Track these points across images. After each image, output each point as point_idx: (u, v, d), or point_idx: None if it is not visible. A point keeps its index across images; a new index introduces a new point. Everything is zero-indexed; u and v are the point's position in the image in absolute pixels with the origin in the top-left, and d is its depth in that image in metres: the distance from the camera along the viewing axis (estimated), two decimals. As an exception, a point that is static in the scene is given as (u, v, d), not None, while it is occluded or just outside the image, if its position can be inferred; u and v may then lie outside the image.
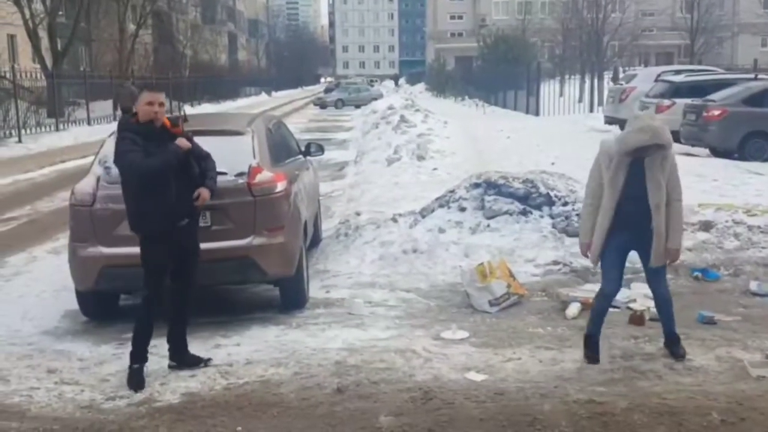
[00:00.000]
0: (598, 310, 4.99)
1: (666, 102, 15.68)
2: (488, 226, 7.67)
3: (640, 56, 48.60)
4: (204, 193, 4.83)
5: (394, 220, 8.48)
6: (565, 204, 7.62)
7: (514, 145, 16.26)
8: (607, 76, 29.69)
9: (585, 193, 5.04)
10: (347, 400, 4.46)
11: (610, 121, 18.81)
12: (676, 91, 15.87)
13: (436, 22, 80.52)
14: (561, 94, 32.09)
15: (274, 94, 66.79)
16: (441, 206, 8.19)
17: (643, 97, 16.49)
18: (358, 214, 9.54)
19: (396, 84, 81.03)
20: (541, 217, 7.59)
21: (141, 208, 4.73)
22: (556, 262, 7.04)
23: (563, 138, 16.80)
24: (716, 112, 13.68)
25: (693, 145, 14.47)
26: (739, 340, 5.26)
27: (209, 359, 5.04)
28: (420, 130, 19.53)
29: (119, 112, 26.70)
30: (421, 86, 70.92)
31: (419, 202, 9.54)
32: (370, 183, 12.73)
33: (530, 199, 7.72)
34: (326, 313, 6.18)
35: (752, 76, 16.95)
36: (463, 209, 7.95)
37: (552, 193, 7.68)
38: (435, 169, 13.72)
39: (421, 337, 5.48)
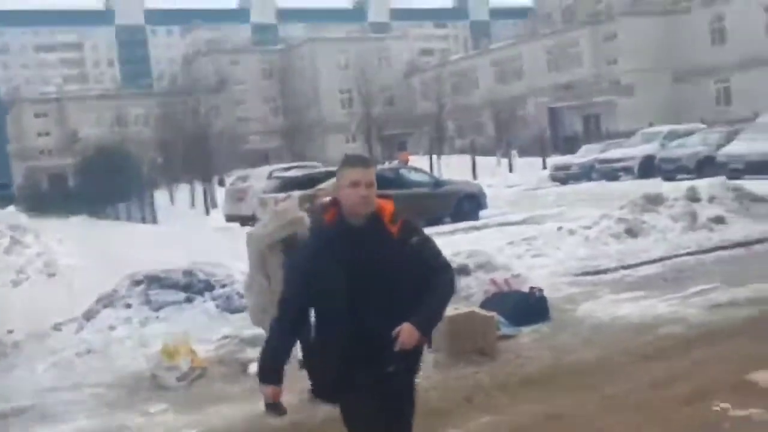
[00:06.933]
0: None
1: (282, 195, 17.56)
2: (157, 317, 8.31)
3: (244, 158, 51.95)
4: (405, 332, 3.10)
5: (57, 329, 8.64)
6: (224, 286, 8.63)
7: (147, 252, 16.76)
8: (216, 180, 31.61)
9: None
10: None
11: (231, 218, 20.38)
12: (287, 185, 17.87)
13: (22, 140, 76.29)
14: (172, 202, 33.14)
15: None
16: (105, 307, 8.61)
17: (260, 194, 18.26)
18: (10, 331, 9.36)
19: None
20: (205, 301, 8.48)
21: (312, 349, 3.43)
22: (226, 336, 7.95)
23: (194, 240, 17.71)
24: (328, 199, 15.82)
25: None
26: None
27: None
28: (36, 249, 18.98)
29: None
30: (11, 209, 66.12)
31: (68, 314, 9.70)
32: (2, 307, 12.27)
33: (192, 286, 8.58)
34: (14, 422, 6.27)
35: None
36: (129, 306, 8.48)
37: (211, 279, 8.64)
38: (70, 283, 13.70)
39: (127, 415, 5.99)
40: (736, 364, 5.83)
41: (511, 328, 7.45)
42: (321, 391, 3.42)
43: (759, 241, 11.26)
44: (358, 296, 3.12)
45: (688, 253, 10.73)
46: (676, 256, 10.63)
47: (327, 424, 5.34)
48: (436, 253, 3.28)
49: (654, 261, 10.43)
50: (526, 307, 7.80)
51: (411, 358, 3.23)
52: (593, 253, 10.77)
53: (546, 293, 8.13)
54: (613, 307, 8.12)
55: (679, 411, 5.08)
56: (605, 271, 9.99)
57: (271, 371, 3.35)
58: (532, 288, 8.16)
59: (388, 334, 3.08)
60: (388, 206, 3.24)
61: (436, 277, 3.22)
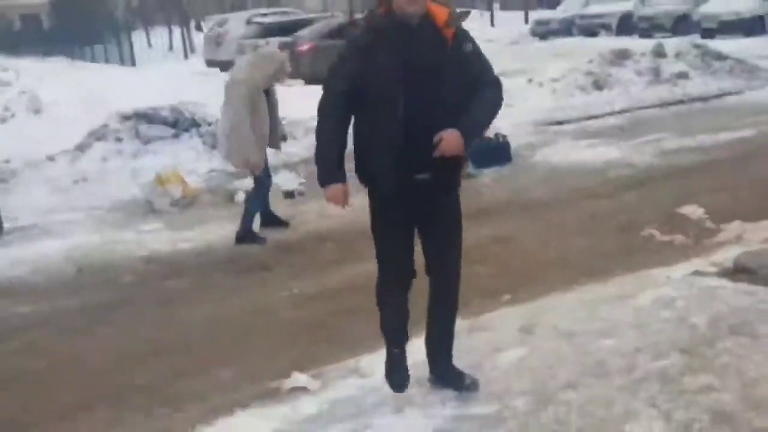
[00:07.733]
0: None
1: (261, 41, 17.70)
2: (147, 150, 8.88)
3: (220, 2, 50.77)
4: (449, 138, 2.93)
5: (51, 159, 9.19)
6: (210, 124, 9.14)
7: (129, 92, 17.05)
8: (193, 24, 31.20)
9: None
10: (90, 275, 5.62)
11: (210, 63, 20.49)
12: (267, 31, 17.97)
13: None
14: (150, 45, 32.80)
15: None
16: (97, 140, 9.14)
17: (239, 39, 18.35)
18: (6, 161, 9.90)
19: None
20: (191, 137, 9.03)
21: (358, 151, 3.14)
22: (212, 170, 8.58)
23: (175, 82, 17.95)
24: (306, 47, 16.08)
25: (294, 78, 16.71)
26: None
27: (476, 380, 3.44)
28: (18, 88, 19.19)
29: None
30: (-15, 48, 64.63)
31: (58, 147, 10.21)
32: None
33: (179, 123, 9.11)
34: (21, 236, 6.93)
35: (329, 14, 19.81)
36: (119, 139, 9.02)
37: (197, 117, 9.16)
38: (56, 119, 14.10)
39: (126, 232, 6.71)
40: (669, 200, 6.54)
41: (475, 169, 8.13)
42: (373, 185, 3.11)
43: (716, 96, 11.91)
44: (407, 95, 2.92)
45: (649, 106, 11.36)
46: (638, 108, 11.27)
47: (305, 242, 6.11)
48: (489, 66, 3.08)
49: (616, 113, 11.07)
50: (490, 151, 8.43)
51: (446, 169, 3.03)
52: (559, 105, 11.37)
53: (510, 140, 8.75)
54: (570, 153, 8.79)
55: (613, 235, 5.84)
56: (568, 122, 10.61)
57: (331, 166, 3.03)
58: (496, 134, 8.75)
59: (429, 140, 2.90)
60: (442, 10, 3.00)
61: (485, 89, 3.03)
